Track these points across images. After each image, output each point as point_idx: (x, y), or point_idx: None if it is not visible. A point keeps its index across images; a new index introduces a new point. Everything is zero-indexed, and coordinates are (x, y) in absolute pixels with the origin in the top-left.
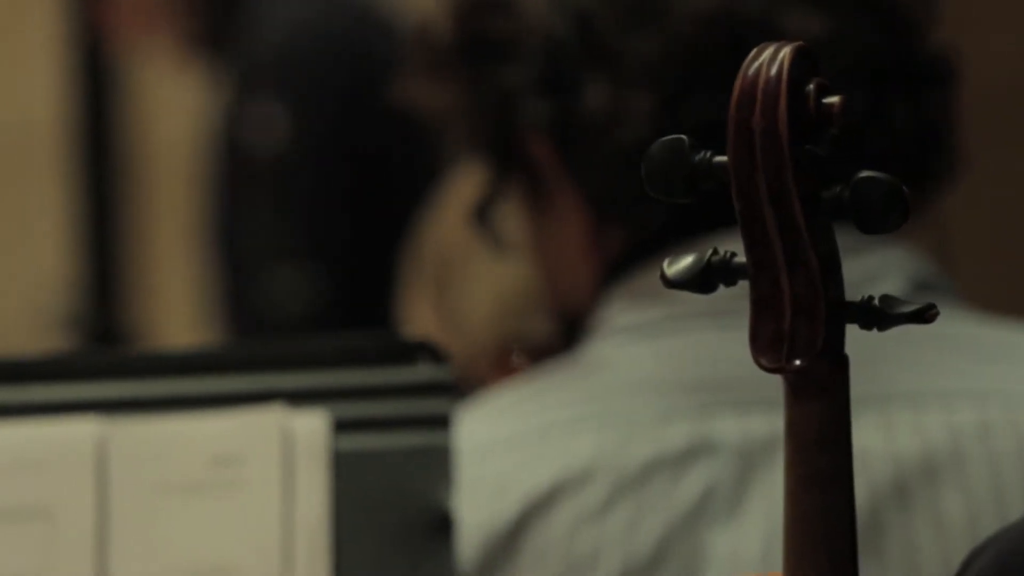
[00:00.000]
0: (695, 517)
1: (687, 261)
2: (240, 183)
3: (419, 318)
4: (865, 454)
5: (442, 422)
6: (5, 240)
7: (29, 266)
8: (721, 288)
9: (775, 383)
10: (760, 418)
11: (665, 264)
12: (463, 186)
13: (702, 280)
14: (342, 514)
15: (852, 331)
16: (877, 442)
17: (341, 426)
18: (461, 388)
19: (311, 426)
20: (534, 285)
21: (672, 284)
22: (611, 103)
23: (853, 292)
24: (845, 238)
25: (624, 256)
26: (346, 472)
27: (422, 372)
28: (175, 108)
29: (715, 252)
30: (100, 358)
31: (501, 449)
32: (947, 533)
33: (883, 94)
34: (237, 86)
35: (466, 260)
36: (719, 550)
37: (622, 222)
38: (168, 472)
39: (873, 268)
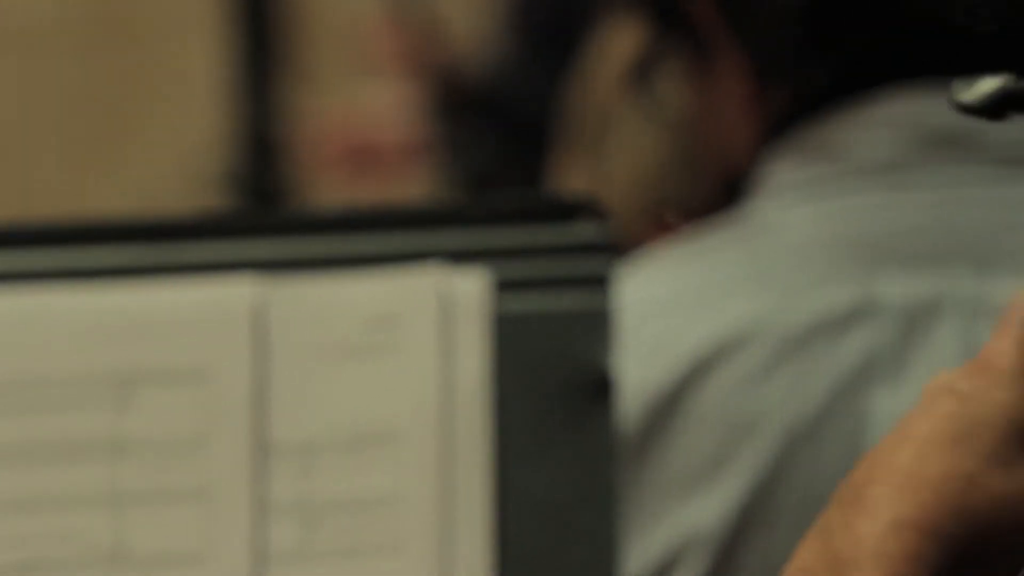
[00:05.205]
0: (857, 380)
1: (989, 84)
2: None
3: (572, 179)
4: None
5: (602, 282)
6: (161, 99)
7: (186, 125)
8: (891, 143)
9: (941, 243)
10: (925, 278)
11: (956, 88)
12: (616, 42)
13: (996, 107)
14: (501, 376)
15: None
16: None
17: (500, 286)
18: (621, 248)
19: (470, 286)
20: (692, 146)
21: (966, 109)
22: None
23: None
24: None
25: (787, 114)
26: (505, 333)
27: (582, 231)
28: None
29: (1018, 79)
30: (257, 217)
31: (661, 310)
32: None
33: None
34: None
35: (622, 120)
36: (881, 413)
37: (786, 79)
38: (325, 334)
39: None
